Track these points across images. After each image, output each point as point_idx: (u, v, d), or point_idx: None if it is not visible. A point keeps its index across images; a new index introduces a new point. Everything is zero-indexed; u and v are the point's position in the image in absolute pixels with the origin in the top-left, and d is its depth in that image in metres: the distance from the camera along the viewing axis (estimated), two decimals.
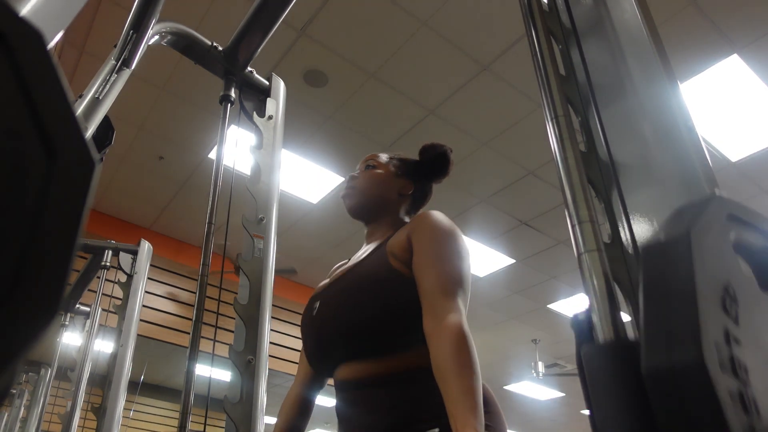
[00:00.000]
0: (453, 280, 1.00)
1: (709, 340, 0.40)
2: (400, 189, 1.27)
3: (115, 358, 2.68)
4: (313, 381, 1.23)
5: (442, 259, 1.02)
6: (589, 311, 0.59)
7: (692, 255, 0.43)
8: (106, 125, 1.59)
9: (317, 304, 1.14)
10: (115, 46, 1.58)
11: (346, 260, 1.30)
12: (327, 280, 1.22)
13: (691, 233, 0.44)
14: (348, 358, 1.05)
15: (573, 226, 0.66)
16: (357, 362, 1.03)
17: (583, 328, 0.56)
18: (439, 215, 1.11)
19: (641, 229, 0.68)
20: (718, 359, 0.39)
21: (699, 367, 0.39)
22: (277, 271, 1.70)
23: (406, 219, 1.27)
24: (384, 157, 1.32)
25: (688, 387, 0.39)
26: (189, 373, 1.48)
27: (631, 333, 0.64)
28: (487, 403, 0.97)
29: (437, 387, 0.91)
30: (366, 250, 1.21)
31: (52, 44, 0.73)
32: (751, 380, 0.41)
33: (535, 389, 8.52)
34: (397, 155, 1.34)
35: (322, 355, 1.12)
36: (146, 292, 3.14)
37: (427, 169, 1.31)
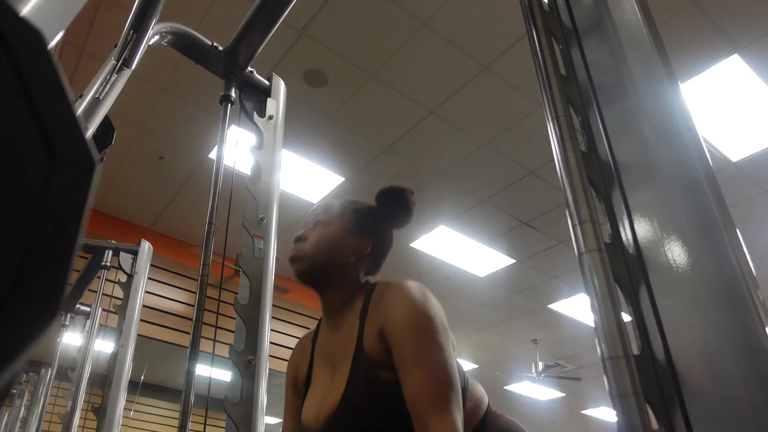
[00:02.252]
0: (442, 385, 0.89)
1: None
2: (356, 248, 1.10)
3: (115, 358, 2.68)
4: None
5: (423, 360, 0.90)
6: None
7: None
8: (106, 125, 1.59)
9: None
10: (115, 46, 1.58)
11: (310, 340, 1.17)
12: (317, 403, 1.05)
13: None
14: None
15: (574, 226, 0.66)
16: None
17: None
18: (405, 297, 0.97)
19: (642, 229, 0.68)
20: None
21: None
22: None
23: (368, 279, 1.14)
24: (336, 208, 1.15)
25: None
26: (189, 373, 1.48)
27: (633, 336, 0.64)
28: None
29: None
30: (339, 345, 1.06)
31: (52, 44, 0.73)
32: None
33: (535, 389, 8.51)
34: (351, 204, 1.17)
35: None
36: (146, 292, 3.14)
37: (386, 216, 1.16)
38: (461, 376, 1.08)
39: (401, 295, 0.98)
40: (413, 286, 1.00)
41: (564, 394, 8.65)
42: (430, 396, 0.88)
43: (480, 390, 1.17)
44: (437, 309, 0.99)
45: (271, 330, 1.60)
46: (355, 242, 1.11)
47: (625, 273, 0.67)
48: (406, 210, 1.16)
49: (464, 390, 1.06)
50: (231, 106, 1.88)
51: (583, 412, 9.46)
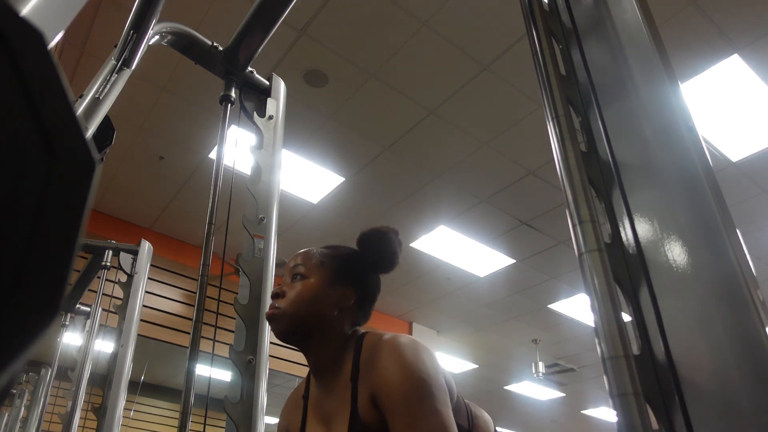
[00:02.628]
0: None
1: None
2: (338, 302, 1.03)
3: (115, 358, 2.68)
4: None
5: (421, 425, 0.86)
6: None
7: None
8: (106, 125, 1.59)
9: None
10: (115, 46, 1.58)
11: (302, 396, 1.12)
12: None
13: None
14: None
15: (574, 226, 0.66)
16: None
17: None
18: (397, 359, 0.91)
19: (642, 229, 0.68)
20: None
21: None
22: (276, 269, 1.70)
23: (356, 330, 1.07)
24: (315, 258, 1.07)
25: None
26: (189, 373, 1.48)
27: (633, 336, 0.64)
28: None
29: None
30: (332, 410, 1.01)
31: (52, 44, 0.73)
32: None
33: (535, 389, 8.51)
34: (330, 252, 1.09)
35: None
36: (146, 292, 3.14)
37: (369, 261, 1.07)
38: (465, 414, 1.06)
39: (391, 358, 0.92)
40: (404, 344, 0.94)
41: (564, 394, 8.65)
42: None
43: (485, 418, 1.14)
44: (431, 366, 0.93)
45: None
46: (337, 294, 1.03)
47: (625, 273, 0.67)
48: (391, 254, 1.07)
49: (469, 431, 1.05)
50: (231, 106, 1.88)
51: (583, 412, 9.46)
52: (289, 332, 1.02)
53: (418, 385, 0.89)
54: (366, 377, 0.94)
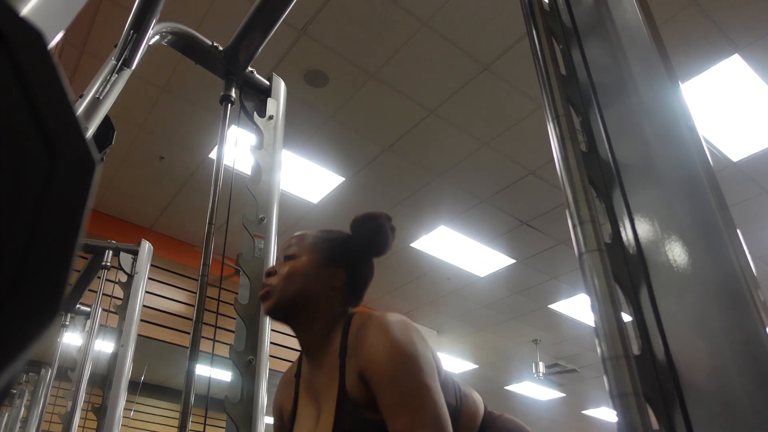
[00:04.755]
0: (429, 428, 0.86)
1: None
2: (329, 281, 1.05)
3: (115, 358, 2.68)
4: None
5: (408, 406, 0.87)
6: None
7: None
8: (106, 125, 1.59)
9: None
10: (115, 46, 1.58)
11: (294, 375, 1.15)
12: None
13: None
14: None
15: (574, 226, 0.66)
16: None
17: None
18: (385, 336, 0.92)
19: (642, 229, 0.68)
20: None
21: None
22: None
23: (346, 310, 1.09)
24: (309, 239, 1.10)
25: None
26: (189, 373, 1.48)
27: (633, 336, 0.64)
28: None
29: None
30: (322, 386, 1.02)
31: (52, 44, 0.73)
32: None
33: (535, 389, 8.51)
34: (324, 234, 1.11)
35: None
36: (147, 292, 3.14)
37: (362, 246, 1.10)
38: (453, 391, 1.07)
39: (379, 334, 0.93)
40: (392, 322, 0.95)
41: (564, 395, 8.65)
42: None
43: (474, 398, 1.15)
44: (419, 344, 0.94)
45: (271, 330, 1.60)
46: (328, 274, 1.06)
47: (625, 273, 0.67)
48: (383, 238, 1.09)
49: (457, 409, 1.05)
50: (231, 106, 1.88)
51: (584, 412, 9.46)
52: (277, 308, 1.04)
53: (406, 359, 0.90)
54: (354, 354, 0.96)
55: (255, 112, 1.92)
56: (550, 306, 6.32)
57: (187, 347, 1.51)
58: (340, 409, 0.95)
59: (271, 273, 1.07)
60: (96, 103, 1.43)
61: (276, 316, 1.06)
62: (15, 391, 4.89)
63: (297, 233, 1.13)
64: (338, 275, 1.06)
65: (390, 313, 0.99)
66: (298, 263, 1.06)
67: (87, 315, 3.59)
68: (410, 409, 0.87)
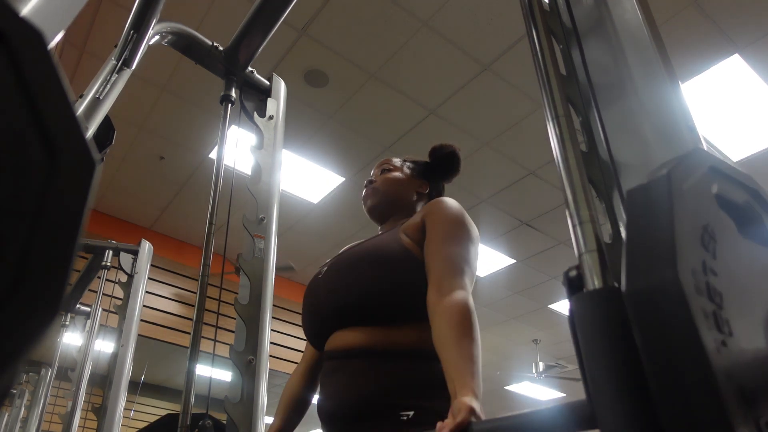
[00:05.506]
0: (461, 262, 1.02)
1: (685, 265, 0.41)
2: (417, 188, 1.32)
3: (115, 358, 2.68)
4: (316, 358, 1.24)
5: (452, 241, 1.05)
6: (579, 267, 0.60)
7: (671, 193, 0.45)
8: (106, 125, 1.59)
9: (324, 269, 1.19)
10: (115, 46, 1.58)
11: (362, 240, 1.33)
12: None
13: (671, 175, 0.47)
14: (340, 325, 1.06)
15: (574, 226, 0.66)
16: (348, 330, 1.04)
17: (574, 281, 0.59)
18: (452, 201, 1.17)
19: None
20: (694, 283, 0.41)
21: (675, 284, 0.40)
22: (276, 270, 1.70)
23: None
24: (397, 161, 1.36)
25: (664, 304, 0.41)
26: (189, 373, 1.48)
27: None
28: None
29: (424, 370, 0.92)
30: (381, 231, 1.27)
31: (52, 44, 0.73)
32: (725, 306, 0.43)
33: (535, 389, 8.51)
34: (409, 158, 1.38)
35: (317, 319, 1.13)
36: (147, 292, 3.14)
37: (438, 168, 1.35)
38: None
39: (449, 201, 1.17)
40: (455, 201, 1.20)
41: (564, 395, 8.65)
42: (450, 265, 1.00)
43: None
44: (474, 227, 1.15)
45: (272, 330, 1.60)
46: (417, 183, 1.32)
47: None
48: (454, 160, 1.34)
49: None
50: (231, 106, 1.88)
51: None
52: (380, 206, 1.29)
53: (463, 220, 1.11)
54: (420, 212, 1.17)
55: (255, 112, 1.92)
56: (550, 306, 6.32)
57: (187, 347, 1.51)
58: (387, 231, 1.18)
59: (372, 181, 1.33)
60: (96, 103, 1.43)
61: (376, 211, 1.30)
62: (15, 391, 4.89)
63: (388, 158, 1.38)
64: (424, 185, 1.33)
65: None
66: (395, 173, 1.32)
67: (87, 315, 3.59)
68: (455, 246, 1.04)
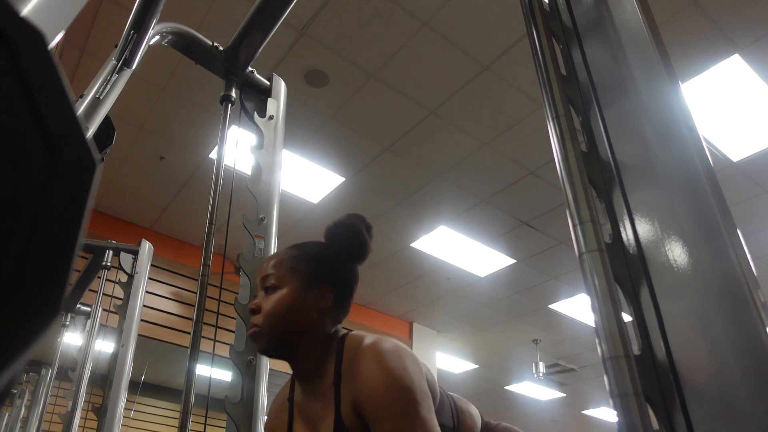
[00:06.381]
0: None
1: None
2: (316, 305, 1.00)
3: (115, 358, 2.68)
4: None
5: (407, 429, 0.86)
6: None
7: None
8: (107, 125, 1.59)
9: None
10: (115, 46, 1.58)
11: (287, 399, 1.11)
12: None
13: None
14: None
15: (574, 226, 0.66)
16: None
17: None
18: (379, 366, 0.90)
19: (643, 229, 0.68)
20: None
21: None
22: None
23: (338, 330, 1.05)
24: (285, 264, 1.03)
25: None
26: (190, 373, 1.48)
27: (633, 336, 0.64)
28: None
29: None
30: (318, 415, 1.00)
31: (53, 44, 0.73)
32: None
33: (535, 389, 8.51)
34: (299, 253, 1.05)
35: None
36: (147, 292, 3.14)
37: (341, 254, 1.05)
38: (450, 411, 1.07)
39: (374, 365, 0.90)
40: (385, 350, 0.92)
41: (564, 395, 8.65)
42: None
43: (471, 412, 1.16)
44: (414, 372, 0.92)
45: None
46: (314, 297, 1.00)
47: (625, 273, 0.67)
48: (361, 244, 1.04)
49: (455, 429, 1.06)
50: (231, 106, 1.88)
51: (584, 412, 9.46)
52: (272, 348, 1.00)
53: (401, 393, 0.88)
54: (348, 383, 0.93)
55: (255, 112, 1.92)
56: (550, 306, 6.32)
57: (187, 347, 1.51)
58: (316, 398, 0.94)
59: (255, 311, 1.00)
60: (96, 103, 1.43)
61: (270, 355, 1.03)
62: (15, 391, 4.89)
63: (271, 259, 1.06)
64: (325, 295, 1.01)
65: (383, 340, 0.96)
66: (281, 296, 0.99)
67: (87, 315, 3.59)
68: (414, 424, 0.85)
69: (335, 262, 1.05)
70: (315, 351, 1.00)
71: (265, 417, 1.49)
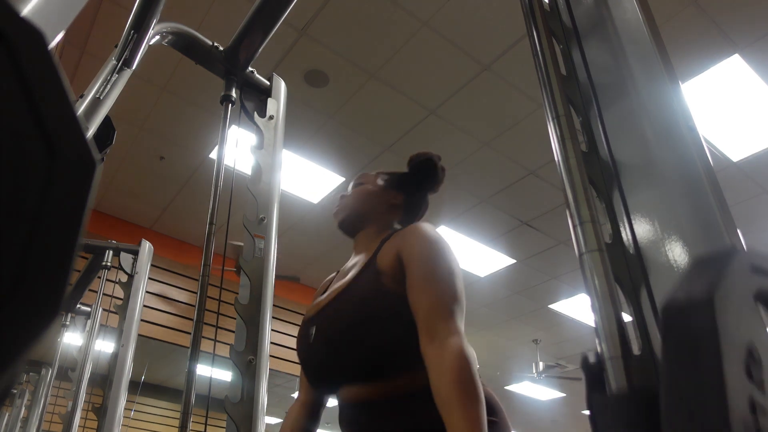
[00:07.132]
0: (449, 300, 0.98)
1: (735, 418, 0.36)
2: (388, 200, 1.25)
3: (115, 358, 2.68)
4: (318, 394, 1.22)
5: (435, 279, 1.00)
6: (599, 355, 0.57)
7: (717, 323, 0.39)
8: (107, 125, 1.59)
9: (313, 331, 1.11)
10: (116, 46, 1.58)
11: (335, 273, 1.28)
12: (320, 299, 1.19)
13: (715, 298, 0.40)
14: (348, 383, 1.05)
15: (574, 226, 0.66)
16: (357, 386, 1.04)
17: (595, 374, 0.53)
18: (425, 229, 1.09)
19: (642, 229, 0.68)
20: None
21: None
22: (280, 277, 1.71)
23: (397, 227, 1.24)
24: (373, 173, 1.31)
25: None
26: (190, 373, 1.48)
27: (633, 336, 0.64)
28: (494, 410, 0.97)
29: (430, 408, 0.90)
30: (355, 263, 1.18)
31: (53, 44, 0.73)
32: None
33: (535, 389, 8.51)
34: (387, 171, 1.32)
35: (322, 380, 1.12)
36: (147, 292, 3.14)
37: (415, 178, 1.28)
38: None
39: (422, 229, 1.09)
40: (430, 226, 1.13)
41: (564, 395, 8.65)
42: (438, 308, 0.97)
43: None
44: (449, 243, 1.10)
45: (272, 330, 1.60)
46: (389, 195, 1.25)
47: (625, 273, 0.67)
48: (431, 169, 1.27)
49: None
50: (231, 106, 1.88)
51: (584, 412, 9.45)
52: (347, 221, 1.24)
53: (440, 247, 1.05)
54: (394, 240, 1.10)
55: (255, 112, 1.92)
56: (550, 306, 6.32)
57: (188, 347, 1.51)
58: (365, 269, 1.10)
59: (344, 195, 1.28)
60: (96, 103, 1.43)
61: (345, 226, 1.25)
62: (15, 391, 4.89)
63: (361, 173, 1.33)
64: (396, 196, 1.25)
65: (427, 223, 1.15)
66: (365, 187, 1.27)
67: (87, 315, 3.59)
68: (438, 282, 1.00)
69: (410, 181, 1.28)
70: (374, 229, 1.22)
71: (266, 417, 1.49)
